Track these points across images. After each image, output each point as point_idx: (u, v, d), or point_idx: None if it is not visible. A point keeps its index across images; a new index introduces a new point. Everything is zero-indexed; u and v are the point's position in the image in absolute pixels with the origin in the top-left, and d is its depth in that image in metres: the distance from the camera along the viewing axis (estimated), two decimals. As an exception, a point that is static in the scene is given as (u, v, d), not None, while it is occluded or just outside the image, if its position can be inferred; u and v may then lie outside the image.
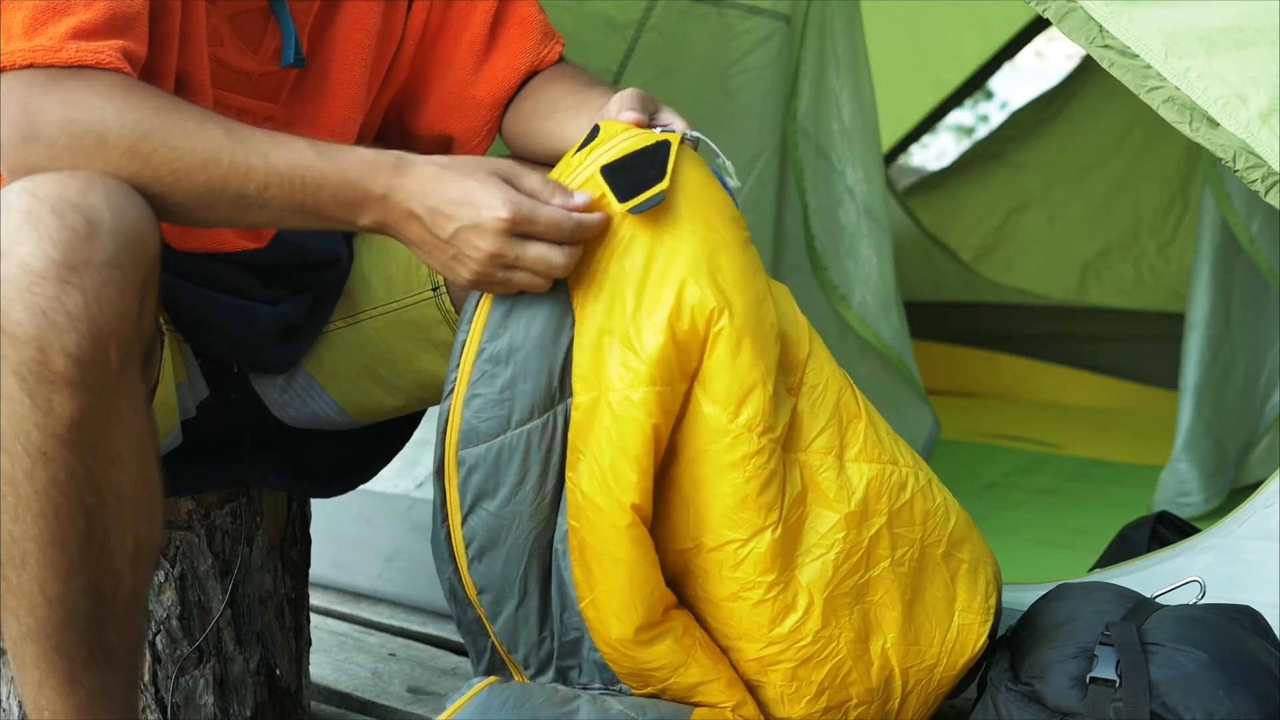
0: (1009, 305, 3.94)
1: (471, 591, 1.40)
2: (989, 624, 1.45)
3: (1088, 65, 3.87)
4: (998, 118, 6.32)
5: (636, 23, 2.35)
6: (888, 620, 1.40)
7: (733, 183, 1.41)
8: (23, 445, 1.15)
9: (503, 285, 1.33)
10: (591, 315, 1.33)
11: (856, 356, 2.72)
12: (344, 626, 2.23)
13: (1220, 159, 1.43)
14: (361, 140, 1.60)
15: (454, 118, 1.60)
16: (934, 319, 3.80)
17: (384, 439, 1.72)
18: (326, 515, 1.94)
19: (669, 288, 1.31)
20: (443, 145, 1.63)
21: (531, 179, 1.31)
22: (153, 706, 1.59)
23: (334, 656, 2.10)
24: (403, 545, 2.26)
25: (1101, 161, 3.86)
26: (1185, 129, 1.44)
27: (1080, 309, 3.86)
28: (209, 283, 1.48)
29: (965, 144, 6.95)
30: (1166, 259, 3.79)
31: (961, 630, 1.43)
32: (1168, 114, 1.45)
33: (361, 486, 1.75)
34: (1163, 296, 3.73)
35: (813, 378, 1.40)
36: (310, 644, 1.81)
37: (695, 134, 1.39)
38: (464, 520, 1.37)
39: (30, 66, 1.24)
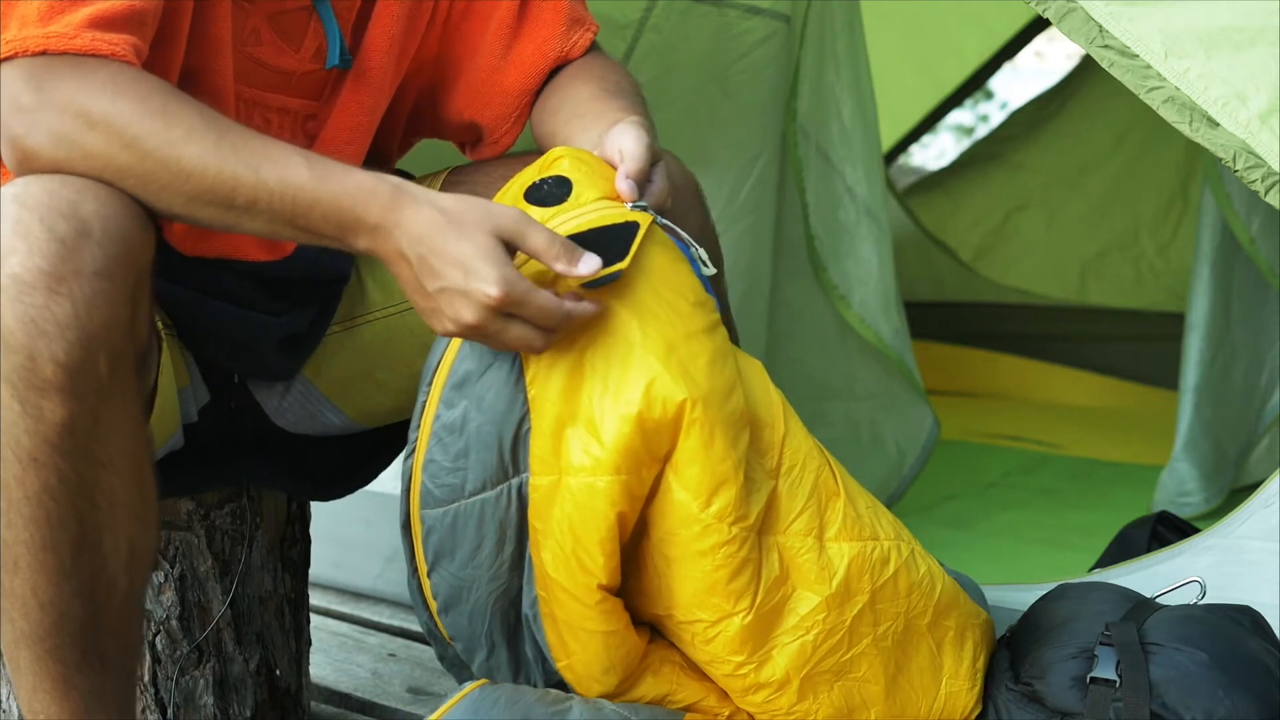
0: (1009, 305, 3.93)
1: (446, 635, 1.40)
2: (977, 689, 1.44)
3: (1087, 65, 3.87)
4: (998, 118, 6.31)
5: (636, 23, 2.34)
6: (871, 695, 1.39)
7: (707, 271, 1.36)
8: (13, 451, 1.16)
9: (478, 342, 1.28)
10: (550, 396, 1.28)
11: (856, 356, 2.71)
12: (344, 626, 2.23)
13: (1220, 159, 1.43)
14: (390, 125, 1.59)
15: (482, 104, 1.58)
16: (934, 319, 3.79)
17: (383, 442, 1.72)
18: (327, 516, 1.94)
19: (637, 375, 1.26)
20: (472, 132, 1.61)
21: (537, 236, 1.23)
22: (152, 707, 1.59)
23: (334, 656, 2.10)
24: (402, 545, 2.25)
25: (1101, 161, 3.86)
26: (1185, 129, 1.44)
27: (1080, 309, 3.86)
28: (214, 292, 1.47)
29: (965, 144, 6.95)
30: (1166, 259, 3.78)
31: (949, 698, 1.42)
32: (1168, 114, 1.45)
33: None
34: (1162, 296, 3.73)
35: (790, 458, 1.37)
36: (310, 644, 1.81)
37: (665, 222, 1.34)
38: (429, 574, 1.36)
39: (44, 54, 1.22)
